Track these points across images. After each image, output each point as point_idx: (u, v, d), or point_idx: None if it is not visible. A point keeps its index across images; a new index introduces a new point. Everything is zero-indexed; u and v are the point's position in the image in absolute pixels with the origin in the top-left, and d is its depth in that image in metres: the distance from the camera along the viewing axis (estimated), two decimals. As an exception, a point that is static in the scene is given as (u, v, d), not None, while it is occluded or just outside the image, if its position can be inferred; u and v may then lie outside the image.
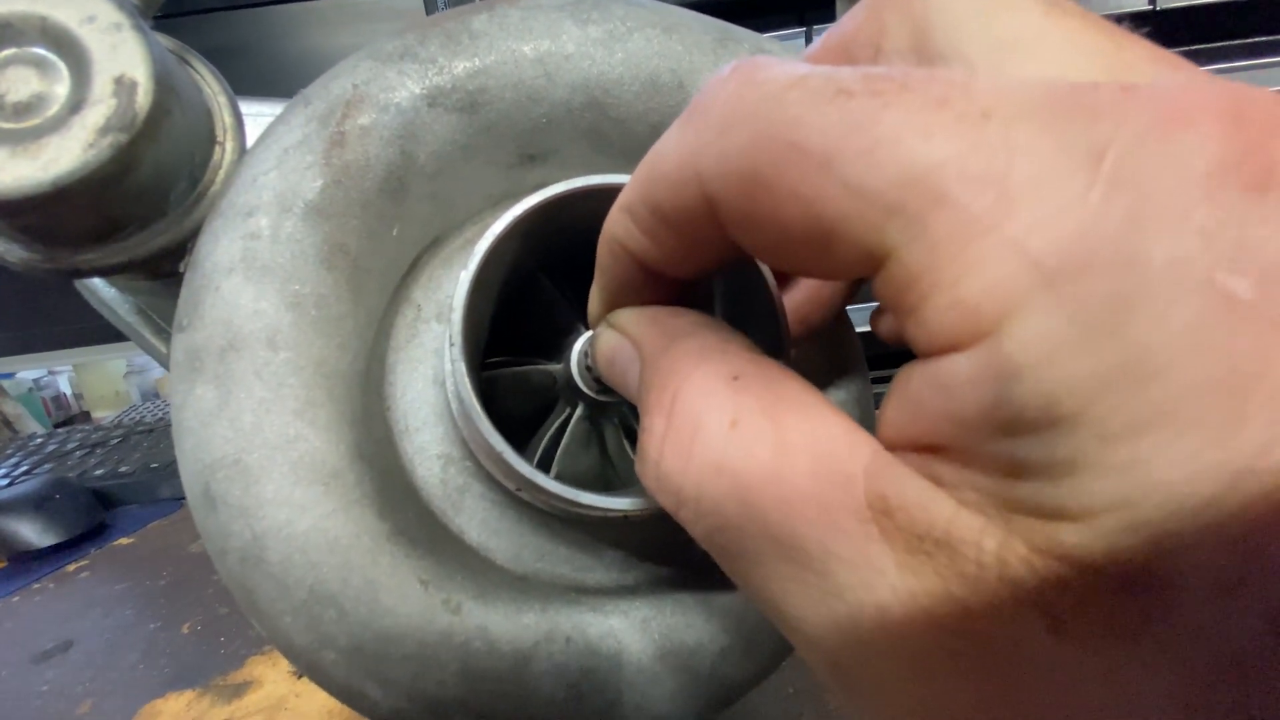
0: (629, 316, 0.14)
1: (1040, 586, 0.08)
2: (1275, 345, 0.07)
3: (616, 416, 0.22)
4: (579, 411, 0.20)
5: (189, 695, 0.35)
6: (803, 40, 0.53)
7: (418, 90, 0.19)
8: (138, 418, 0.76)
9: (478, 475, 0.20)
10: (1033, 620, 0.08)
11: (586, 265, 0.20)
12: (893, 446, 0.10)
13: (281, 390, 0.17)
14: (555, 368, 0.20)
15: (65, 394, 1.01)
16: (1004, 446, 0.08)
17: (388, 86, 0.19)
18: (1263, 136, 0.07)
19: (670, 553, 0.21)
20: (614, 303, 0.15)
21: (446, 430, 0.20)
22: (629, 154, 0.21)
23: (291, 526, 0.16)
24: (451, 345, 0.16)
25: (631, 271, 0.13)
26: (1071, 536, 0.07)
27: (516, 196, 0.22)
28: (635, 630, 0.19)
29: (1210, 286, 0.07)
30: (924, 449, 0.09)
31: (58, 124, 0.17)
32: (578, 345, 0.19)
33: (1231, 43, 0.44)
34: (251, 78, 0.21)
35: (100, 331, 0.73)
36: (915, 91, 0.08)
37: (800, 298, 0.18)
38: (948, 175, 0.08)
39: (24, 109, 0.18)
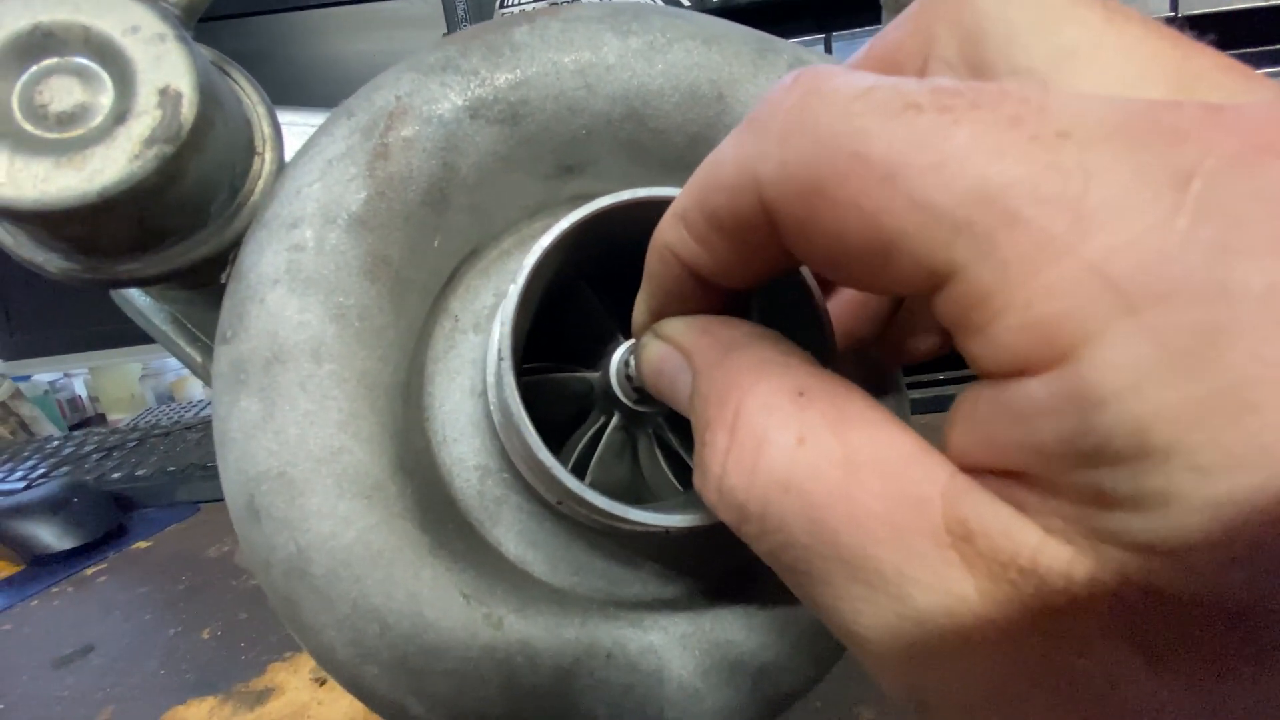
0: (678, 326, 0.14)
1: (1136, 620, 0.08)
2: None
3: (651, 427, 0.22)
4: (615, 421, 0.20)
5: (211, 701, 0.35)
6: (821, 47, 0.53)
7: (460, 102, 0.19)
8: (154, 421, 0.77)
9: (515, 487, 0.20)
10: (1128, 655, 0.08)
11: (627, 275, 0.20)
12: (967, 465, 0.09)
13: (326, 403, 0.17)
14: (593, 376, 0.20)
15: (80, 396, 1.02)
16: (1089, 477, 0.08)
17: (430, 98, 0.19)
18: None
19: (708, 566, 0.21)
20: (660, 311, 0.15)
21: (484, 441, 0.20)
22: (667, 165, 0.21)
23: (336, 540, 0.16)
24: (501, 359, 0.16)
25: (681, 279, 0.13)
26: (1168, 571, 0.07)
27: (553, 208, 0.22)
28: (675, 646, 0.19)
29: None
30: (1001, 474, 0.09)
31: (102, 135, 0.17)
32: (617, 354, 0.19)
33: (1260, 49, 0.43)
34: (268, 85, 0.21)
35: (116, 335, 0.74)
36: (986, 109, 0.08)
37: (846, 309, 0.18)
38: (1021, 195, 0.08)
39: (67, 119, 0.18)
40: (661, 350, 0.14)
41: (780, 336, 0.13)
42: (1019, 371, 0.08)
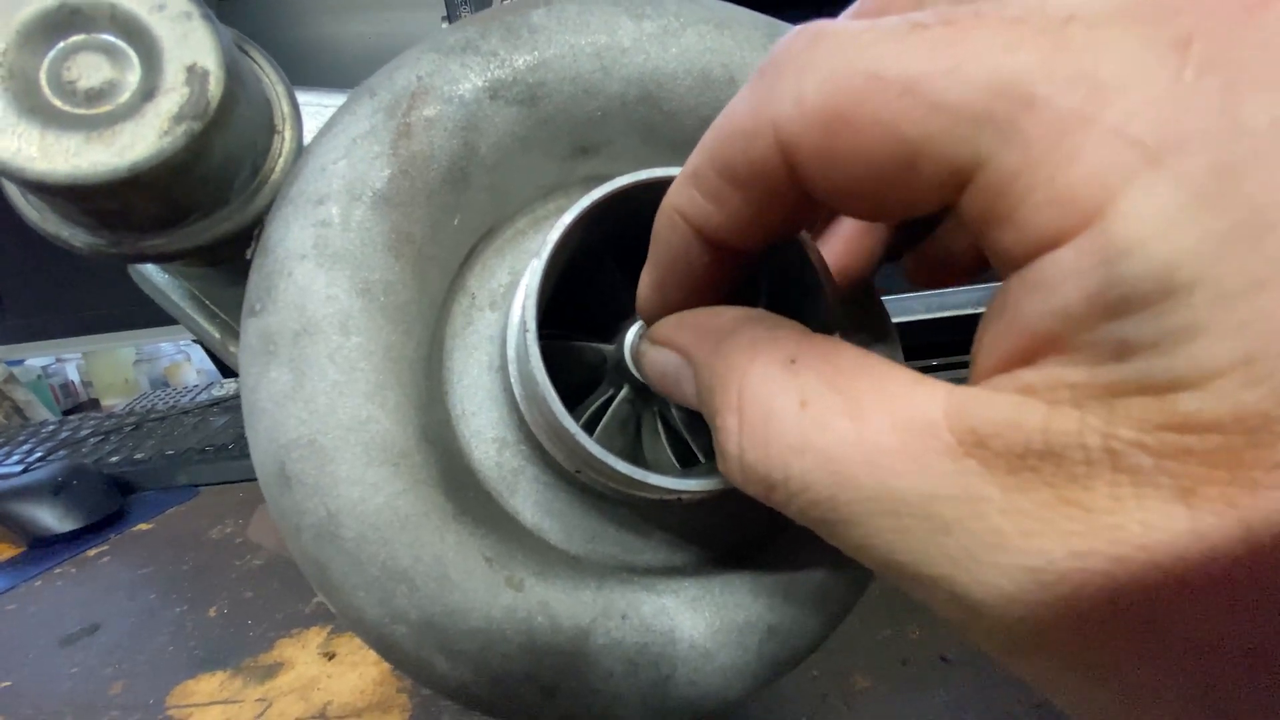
0: (670, 326, 0.15)
1: (1160, 463, 0.08)
2: None
3: (657, 404, 0.23)
4: (623, 393, 0.21)
5: (220, 676, 0.36)
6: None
7: (480, 83, 0.19)
8: (150, 405, 0.76)
9: (531, 458, 0.21)
10: (1157, 498, 0.08)
11: (641, 254, 0.21)
12: (985, 373, 0.10)
13: (354, 374, 0.17)
14: (607, 348, 0.21)
15: (74, 382, 1.01)
16: (1111, 329, 0.08)
17: (451, 79, 0.19)
18: None
19: (716, 536, 0.22)
20: (665, 283, 0.15)
21: (502, 414, 0.21)
22: (678, 147, 0.22)
23: (365, 505, 0.17)
24: (526, 330, 0.16)
25: (688, 246, 0.13)
26: (1191, 403, 0.07)
27: (567, 188, 0.22)
28: (686, 608, 0.20)
29: None
30: (1014, 363, 0.09)
31: (131, 111, 0.18)
32: (633, 330, 0.20)
33: None
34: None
35: (110, 319, 0.74)
36: (990, 16, 0.09)
37: (840, 249, 0.18)
38: (1037, 79, 0.08)
39: (96, 95, 0.18)
40: (659, 354, 0.15)
41: (765, 314, 0.14)
42: (1048, 246, 0.08)
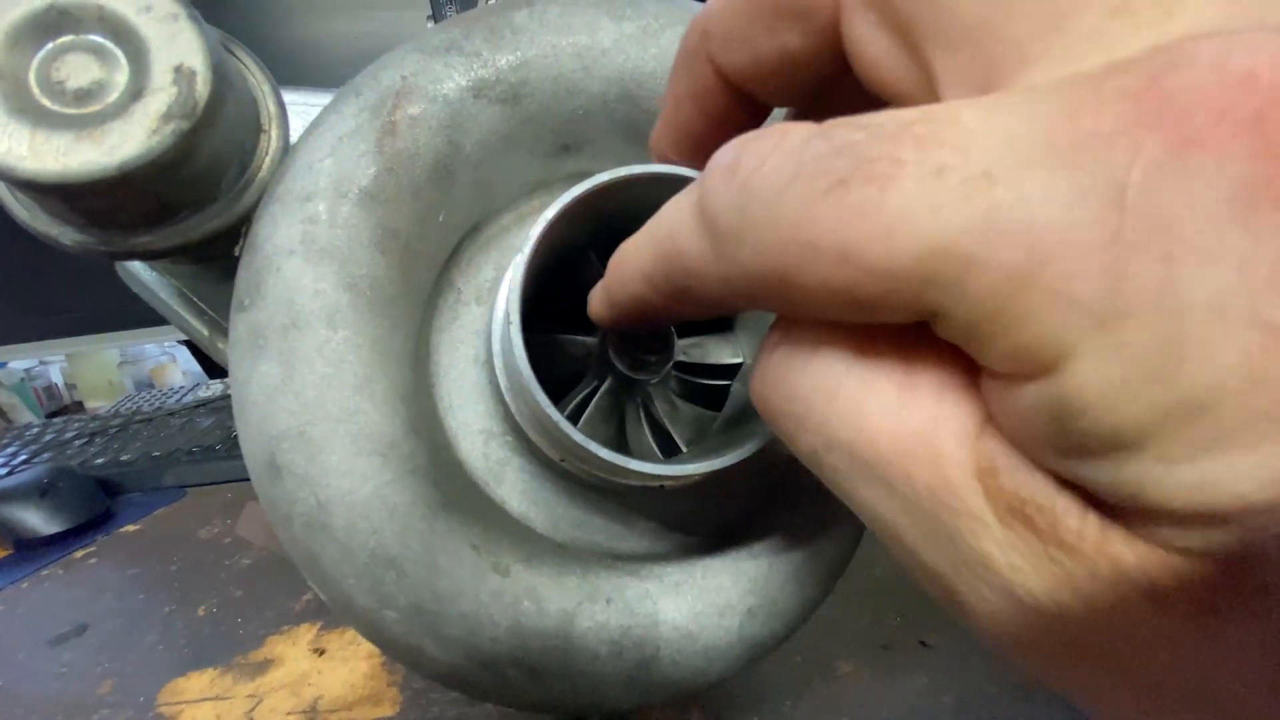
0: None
1: (1141, 564, 0.08)
2: None
3: (640, 396, 0.23)
4: (606, 385, 0.22)
5: (211, 673, 0.36)
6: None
7: (464, 82, 0.20)
8: (135, 407, 0.76)
9: (517, 449, 0.21)
10: (1135, 580, 0.08)
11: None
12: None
13: (342, 366, 0.18)
14: (590, 341, 0.21)
15: (57, 384, 1.00)
16: (1075, 468, 0.08)
17: (435, 78, 0.19)
18: None
19: (698, 523, 0.22)
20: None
21: (488, 407, 0.21)
22: (659, 145, 0.22)
23: (354, 494, 0.17)
24: (510, 323, 0.17)
25: (647, 312, 0.14)
26: (1154, 536, 0.08)
27: (551, 185, 0.23)
28: (669, 592, 0.20)
29: (1254, 318, 0.07)
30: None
31: (119, 110, 0.18)
32: (616, 324, 0.20)
33: None
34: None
35: (94, 321, 0.73)
36: (910, 164, 0.08)
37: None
38: (971, 242, 0.08)
39: (84, 96, 0.18)
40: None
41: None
42: (1011, 379, 0.09)
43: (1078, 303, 0.08)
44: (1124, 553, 0.08)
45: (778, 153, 0.10)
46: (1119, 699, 0.10)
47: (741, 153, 0.10)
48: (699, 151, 0.15)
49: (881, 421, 0.10)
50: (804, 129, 0.09)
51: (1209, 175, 0.07)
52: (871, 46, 0.11)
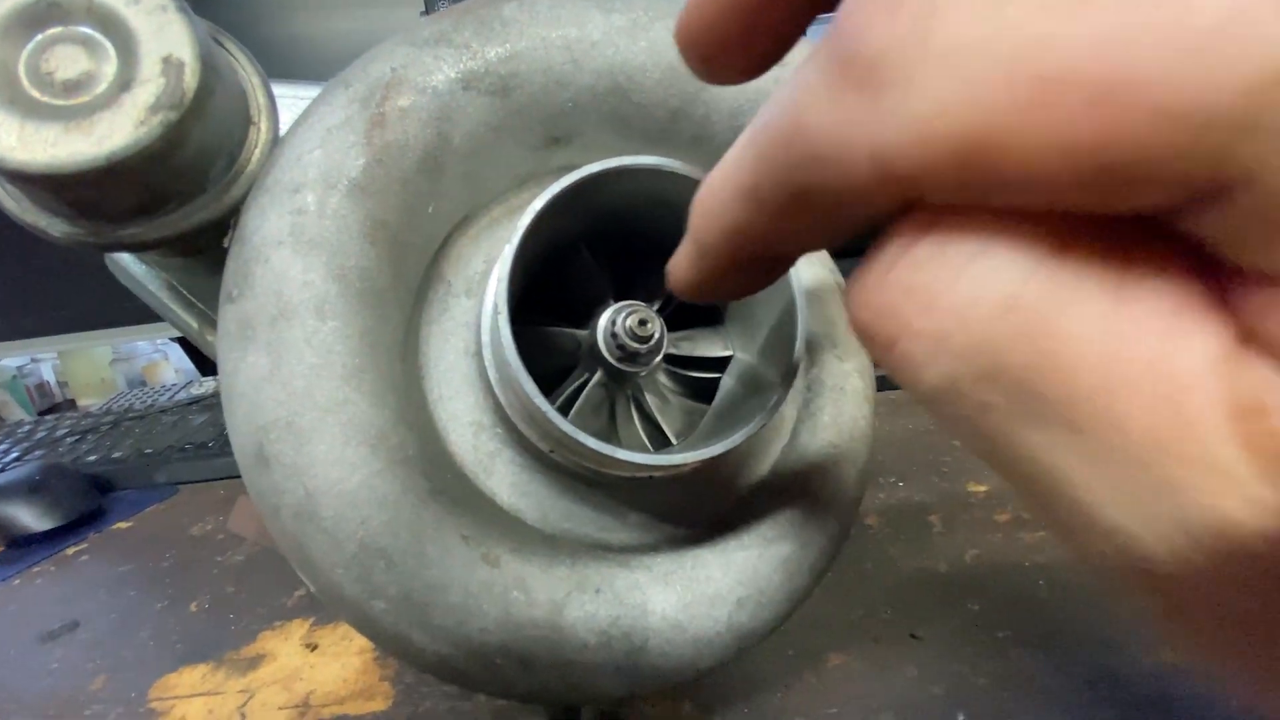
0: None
1: None
2: None
3: (630, 388, 0.23)
4: (596, 377, 0.22)
5: (203, 669, 0.36)
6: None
7: (453, 74, 0.20)
8: (127, 404, 0.76)
9: (507, 441, 0.21)
10: None
11: (616, 242, 0.21)
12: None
13: (330, 357, 0.18)
14: (581, 333, 0.21)
15: (49, 382, 1.00)
16: None
17: (425, 70, 0.20)
18: None
19: (688, 514, 0.23)
20: (714, 278, 0.12)
21: (478, 399, 0.21)
22: (649, 137, 0.22)
23: (342, 484, 0.17)
24: (498, 313, 0.17)
25: (744, 254, 0.11)
26: None
27: (540, 177, 0.23)
28: (659, 583, 0.20)
29: None
30: None
31: (108, 101, 0.18)
32: (606, 314, 0.20)
33: None
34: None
35: (86, 318, 0.73)
36: None
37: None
38: None
39: (73, 86, 0.18)
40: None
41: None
42: None
43: None
44: None
45: None
46: None
47: None
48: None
49: (1086, 343, 0.07)
50: None
51: None
52: None
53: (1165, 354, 0.07)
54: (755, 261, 0.11)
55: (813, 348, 0.24)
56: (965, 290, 0.08)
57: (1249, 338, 0.07)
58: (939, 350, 0.08)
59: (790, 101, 0.08)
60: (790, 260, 0.11)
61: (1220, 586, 0.07)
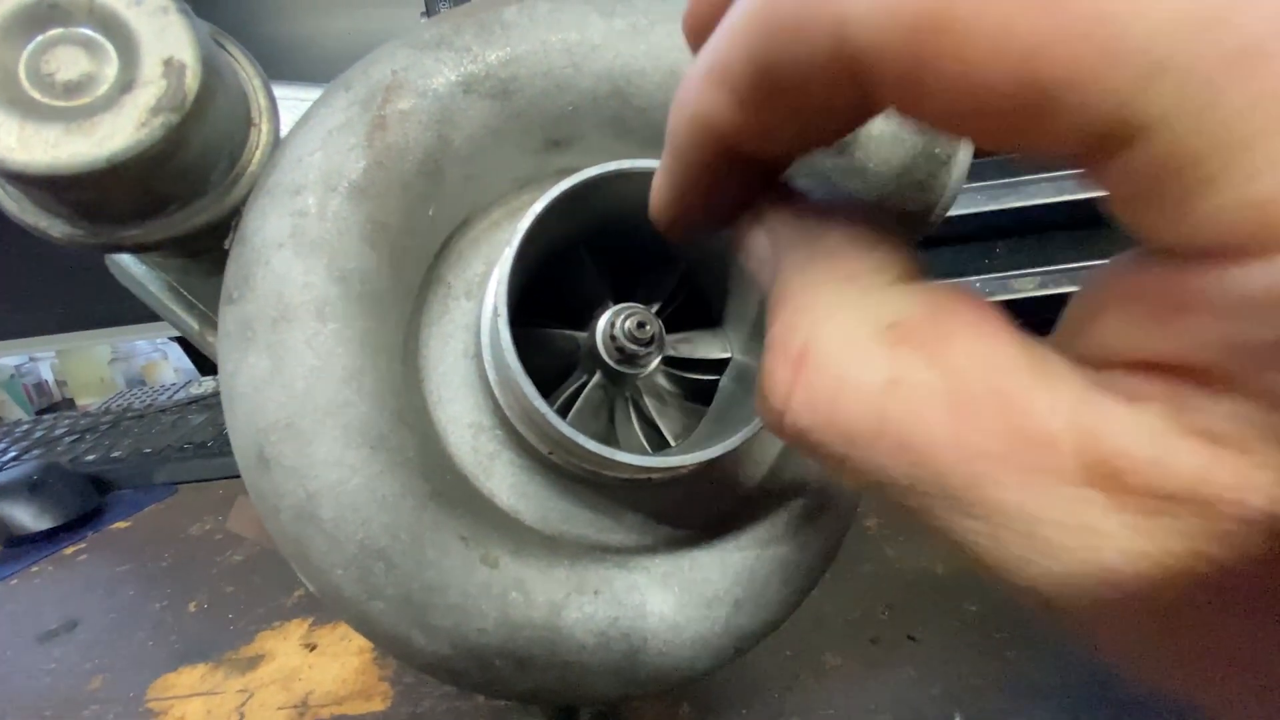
0: (777, 213, 0.12)
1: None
2: None
3: (629, 390, 0.23)
4: (595, 379, 0.22)
5: (202, 669, 0.36)
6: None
7: (454, 77, 0.20)
8: (126, 404, 0.76)
9: (507, 443, 0.21)
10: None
11: (616, 245, 0.21)
12: (1107, 362, 0.08)
13: (331, 359, 0.18)
14: (580, 335, 0.21)
15: (47, 381, 0.99)
16: None
17: (425, 73, 0.20)
18: None
19: (686, 516, 0.23)
20: (680, 186, 0.12)
21: (477, 401, 0.21)
22: (649, 141, 0.22)
23: (343, 485, 0.17)
24: (498, 315, 0.17)
25: (714, 156, 0.11)
26: None
27: (541, 180, 0.23)
28: (657, 584, 0.20)
29: None
30: (1162, 370, 0.07)
31: (109, 103, 0.18)
32: (605, 316, 0.20)
33: None
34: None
35: (84, 317, 0.73)
36: None
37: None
38: (1258, 23, 0.06)
39: (74, 88, 0.18)
40: (757, 238, 0.12)
41: (883, 238, 0.10)
42: (1223, 255, 0.06)
43: None
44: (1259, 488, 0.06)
45: None
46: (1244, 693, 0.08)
47: None
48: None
49: (931, 445, 0.08)
50: None
51: None
52: None
53: (1016, 426, 0.08)
54: (727, 167, 0.11)
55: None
56: (841, 426, 0.09)
57: (1102, 377, 0.08)
58: (844, 471, 0.09)
59: None
60: (760, 172, 0.11)
61: (1132, 621, 0.08)
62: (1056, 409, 0.08)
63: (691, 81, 0.10)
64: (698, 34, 0.11)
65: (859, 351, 0.09)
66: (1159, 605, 0.07)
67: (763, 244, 0.12)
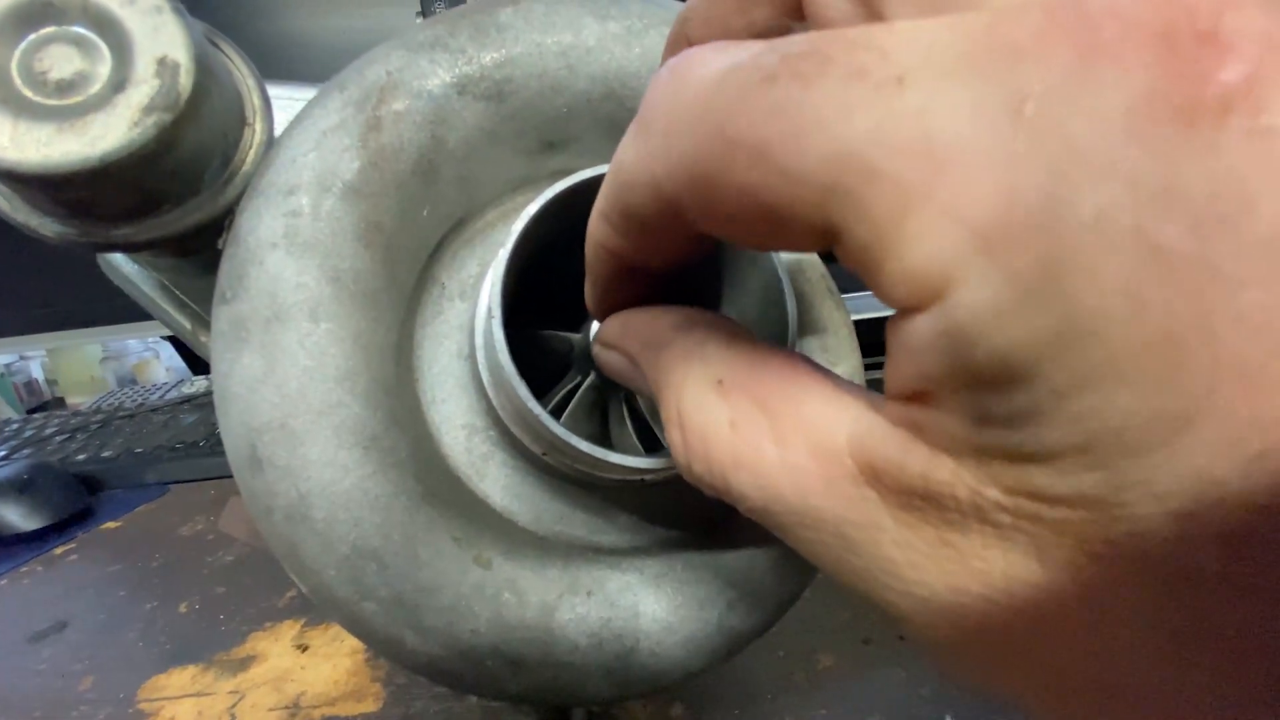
0: (614, 332, 0.15)
1: (1017, 523, 0.08)
2: (1208, 293, 0.07)
3: (623, 391, 0.23)
4: (589, 380, 0.22)
5: (192, 670, 0.36)
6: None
7: (448, 78, 0.20)
8: (117, 403, 0.75)
9: (500, 444, 0.21)
10: (1020, 553, 0.08)
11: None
12: (891, 394, 0.10)
13: (324, 359, 0.18)
14: (574, 336, 0.21)
15: (37, 380, 0.99)
16: (970, 399, 0.08)
17: (420, 74, 0.20)
18: (1193, 53, 0.07)
19: (679, 516, 0.23)
20: (604, 296, 0.16)
21: (471, 402, 0.21)
22: (643, 143, 0.22)
23: (335, 486, 0.18)
24: (491, 317, 0.17)
25: (616, 268, 0.14)
26: (1040, 477, 0.08)
27: (535, 182, 0.23)
28: (649, 585, 0.20)
29: (1140, 238, 0.07)
30: (907, 396, 0.09)
31: (101, 102, 0.18)
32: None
33: None
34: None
35: (76, 315, 0.72)
36: (836, 64, 0.08)
37: None
38: (875, 150, 0.08)
39: (67, 87, 0.18)
40: (610, 356, 0.16)
41: (697, 318, 0.14)
42: (907, 311, 0.08)
43: (966, 222, 0.07)
44: (993, 508, 0.08)
45: (720, 54, 0.09)
46: (1045, 699, 0.10)
47: (687, 56, 0.10)
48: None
49: (767, 467, 0.11)
50: (760, 42, 0.09)
51: (1110, 85, 0.07)
52: (830, 9, 0.11)
53: (816, 443, 0.10)
54: (628, 275, 0.14)
55: (804, 351, 0.24)
56: (716, 468, 0.12)
57: (866, 411, 0.10)
58: (734, 502, 0.12)
59: (623, 144, 0.12)
60: (651, 274, 0.14)
61: (916, 617, 0.10)
62: (840, 425, 0.10)
63: (592, 222, 0.14)
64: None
65: (705, 405, 0.12)
66: (927, 591, 0.09)
67: (618, 359, 0.15)
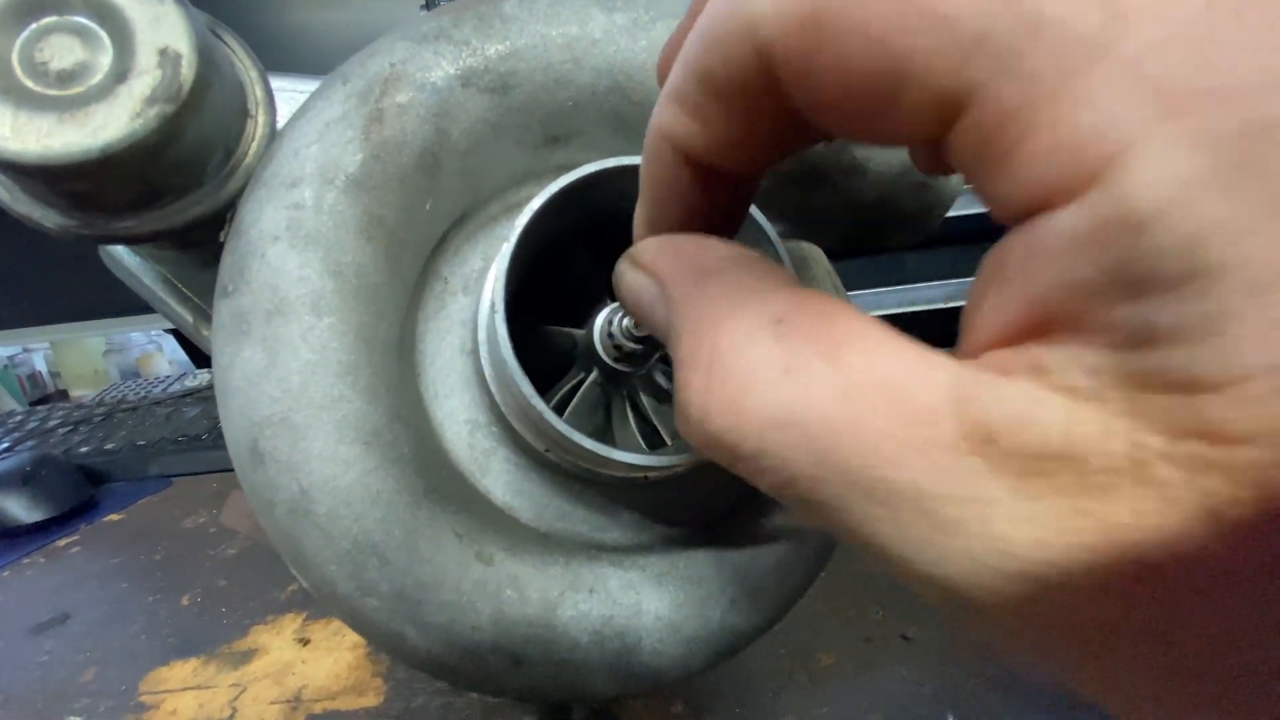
0: (651, 250, 0.13)
1: (1190, 479, 0.06)
2: None
3: (626, 388, 0.23)
4: (593, 376, 0.22)
5: (194, 662, 0.36)
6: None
7: (452, 71, 0.20)
8: (120, 396, 0.75)
9: (503, 440, 0.21)
10: (1187, 517, 0.07)
11: (614, 241, 0.21)
12: (986, 344, 0.08)
13: (326, 353, 0.18)
14: (578, 333, 0.21)
15: (41, 372, 0.99)
16: (1128, 311, 0.07)
17: (424, 66, 0.19)
18: None
19: (682, 514, 0.23)
20: (658, 216, 0.13)
21: (474, 397, 0.21)
22: (648, 137, 0.22)
23: (337, 481, 0.17)
24: (495, 311, 0.17)
25: (677, 171, 0.12)
26: (1219, 410, 0.06)
27: (540, 176, 0.23)
28: (652, 583, 0.20)
29: None
30: (1022, 335, 0.08)
31: (103, 93, 0.18)
32: (603, 313, 0.20)
33: None
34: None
35: (79, 308, 0.72)
36: None
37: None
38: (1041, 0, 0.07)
39: (68, 77, 0.18)
40: (637, 277, 0.13)
41: (760, 258, 0.12)
42: (1049, 203, 0.07)
43: (1151, 81, 0.06)
44: (1160, 462, 0.07)
45: None
46: (1161, 695, 0.08)
47: None
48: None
49: (828, 427, 0.09)
50: None
51: None
52: None
53: (900, 402, 0.08)
54: (698, 185, 0.12)
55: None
56: (752, 421, 0.10)
57: (969, 358, 0.08)
58: (761, 471, 0.10)
59: (700, 13, 0.10)
60: (717, 186, 0.12)
61: (1031, 608, 0.08)
62: (934, 386, 0.08)
63: (656, 107, 0.12)
64: (664, 75, 0.13)
65: (757, 344, 0.10)
66: (1053, 577, 0.07)
67: (645, 283, 0.13)
